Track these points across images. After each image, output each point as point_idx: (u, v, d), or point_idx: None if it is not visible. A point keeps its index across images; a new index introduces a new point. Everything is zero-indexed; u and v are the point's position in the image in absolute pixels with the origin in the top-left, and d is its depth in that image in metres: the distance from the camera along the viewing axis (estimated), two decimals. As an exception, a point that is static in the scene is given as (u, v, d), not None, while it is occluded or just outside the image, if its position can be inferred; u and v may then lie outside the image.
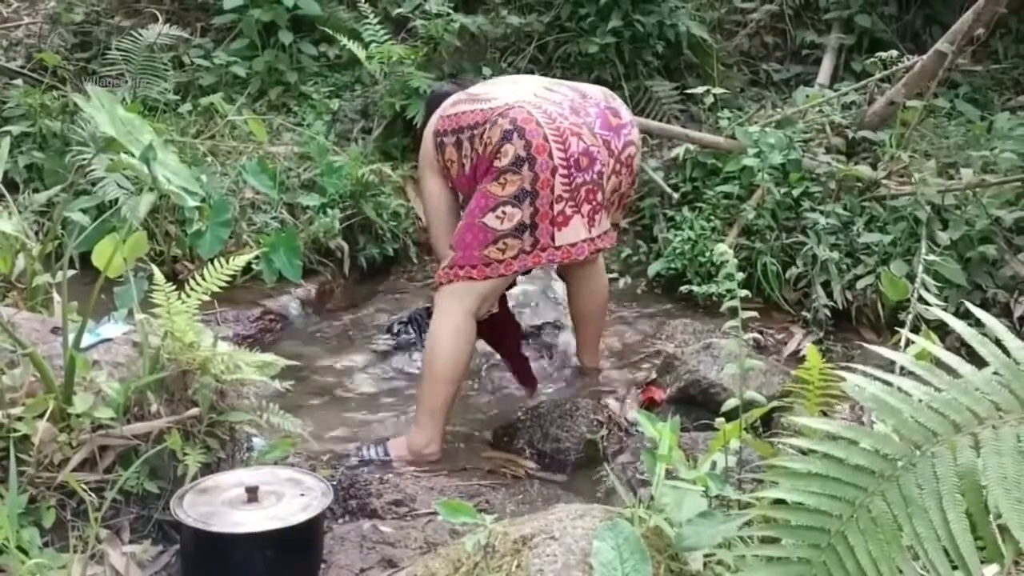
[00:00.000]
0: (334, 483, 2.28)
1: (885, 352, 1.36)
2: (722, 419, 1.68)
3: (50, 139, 4.05)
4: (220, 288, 2.16)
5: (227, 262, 2.17)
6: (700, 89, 4.24)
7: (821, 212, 3.74)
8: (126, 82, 4.45)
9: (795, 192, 3.84)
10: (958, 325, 1.28)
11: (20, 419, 1.85)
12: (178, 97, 4.47)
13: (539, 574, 1.47)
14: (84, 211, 3.00)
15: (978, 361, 1.26)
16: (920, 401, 1.23)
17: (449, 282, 2.69)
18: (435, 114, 2.85)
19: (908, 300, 2.72)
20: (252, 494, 1.88)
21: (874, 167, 3.92)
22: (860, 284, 3.56)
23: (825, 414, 1.77)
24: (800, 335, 3.53)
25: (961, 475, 1.14)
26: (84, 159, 3.50)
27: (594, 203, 2.67)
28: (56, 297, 2.35)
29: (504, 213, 2.58)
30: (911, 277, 3.14)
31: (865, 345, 2.18)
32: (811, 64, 5.22)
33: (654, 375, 3.15)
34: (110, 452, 1.94)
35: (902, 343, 1.69)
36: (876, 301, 3.52)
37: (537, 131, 2.56)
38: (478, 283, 2.65)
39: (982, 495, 1.13)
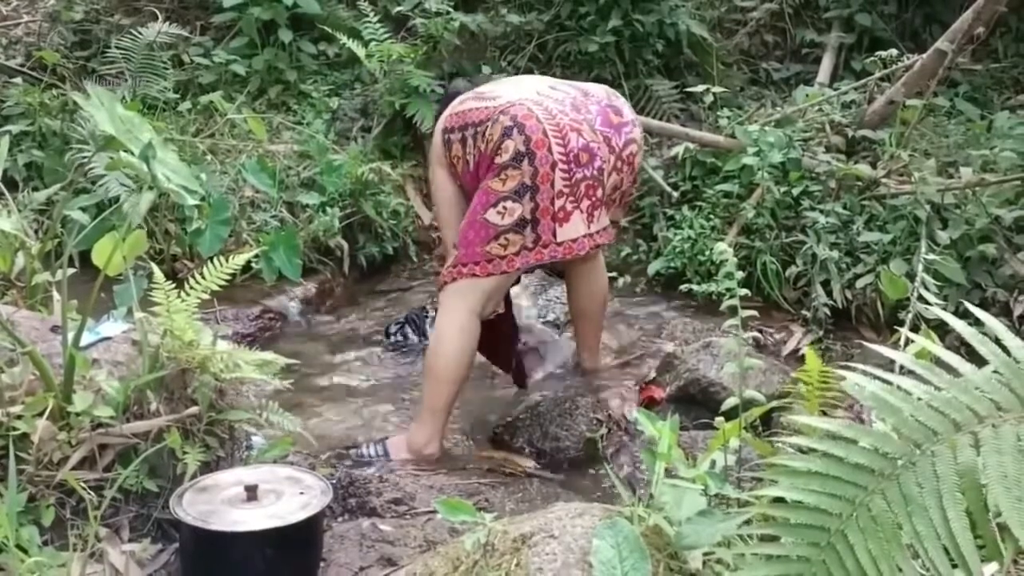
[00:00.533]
0: (333, 481, 2.28)
1: (885, 351, 1.36)
2: (721, 418, 1.68)
3: (50, 137, 4.05)
4: (220, 287, 2.16)
5: (227, 260, 2.17)
6: (700, 88, 4.24)
7: (821, 211, 3.74)
8: (126, 80, 4.45)
9: (795, 191, 3.84)
10: (958, 324, 1.28)
11: (20, 417, 1.85)
12: (178, 95, 4.47)
13: (538, 572, 1.47)
14: (84, 209, 3.00)
15: (978, 360, 1.26)
16: (920, 400, 1.23)
17: (453, 280, 2.69)
18: (445, 111, 2.88)
19: (908, 299, 2.72)
20: (251, 493, 1.88)
21: (874, 166, 3.92)
22: (860, 283, 3.56)
23: (825, 413, 1.76)
24: (800, 334, 3.53)
25: (961, 474, 1.14)
26: (84, 157, 3.50)
27: (594, 199, 2.68)
28: (56, 295, 2.35)
29: (505, 208, 2.60)
30: (911, 276, 3.14)
31: (865, 344, 2.18)
32: (811, 63, 5.22)
33: (654, 374, 3.15)
34: (109, 450, 1.94)
35: (902, 342, 1.69)
36: (876, 300, 3.52)
37: (537, 127, 2.58)
38: (482, 280, 2.66)
39: (982, 494, 1.13)
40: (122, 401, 1.94)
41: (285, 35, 4.73)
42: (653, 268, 4.01)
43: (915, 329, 2.07)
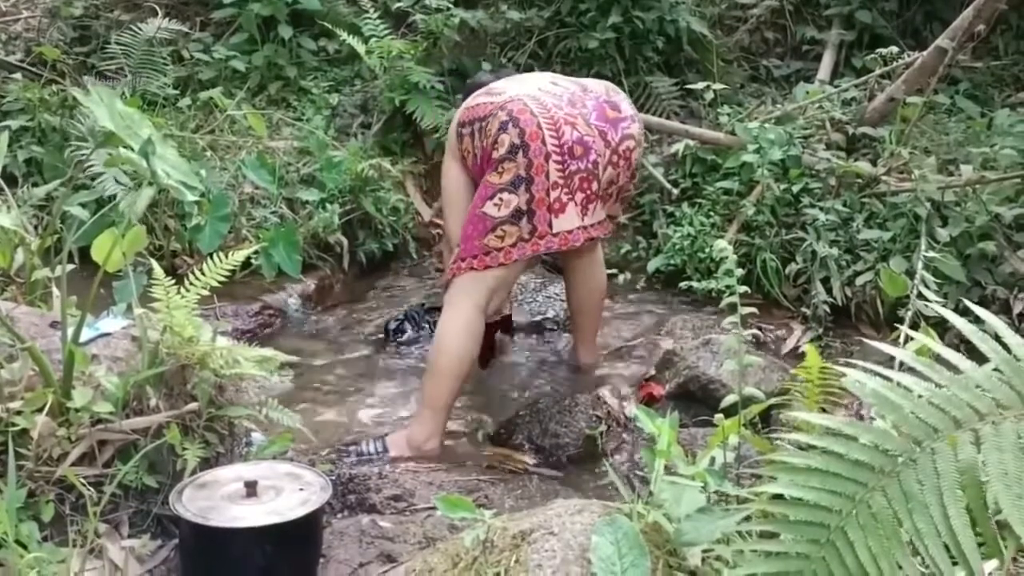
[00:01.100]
0: (333, 478, 2.28)
1: (885, 348, 1.36)
2: (721, 415, 1.68)
3: (49, 133, 4.04)
4: (219, 283, 2.16)
5: (226, 257, 2.17)
6: (700, 85, 4.24)
7: (821, 208, 3.74)
8: (125, 76, 4.45)
9: (795, 188, 3.84)
10: (958, 321, 1.28)
11: (19, 413, 1.85)
12: (177, 91, 4.47)
13: (538, 569, 1.47)
14: (83, 205, 3.00)
15: (978, 357, 1.26)
16: (920, 397, 1.22)
17: (454, 276, 2.73)
18: (462, 104, 2.94)
19: (907, 296, 2.72)
20: (251, 489, 1.88)
21: (874, 163, 3.92)
22: (859, 280, 3.56)
23: (824, 410, 1.76)
24: (799, 331, 3.53)
25: (961, 471, 1.14)
26: (83, 154, 3.51)
27: (588, 192, 2.72)
28: (55, 291, 2.35)
29: (501, 200, 2.65)
30: (911, 273, 3.14)
31: (865, 341, 2.19)
32: (811, 60, 5.22)
33: (653, 371, 3.15)
34: (109, 446, 1.94)
35: (902, 339, 1.69)
36: (875, 297, 3.52)
37: (531, 120, 2.65)
38: (482, 274, 2.69)
39: (982, 491, 1.13)
40: (121, 397, 1.94)
41: (285, 31, 4.73)
42: (653, 265, 4.01)
43: (915, 327, 2.07)
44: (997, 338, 1.24)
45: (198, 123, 4.30)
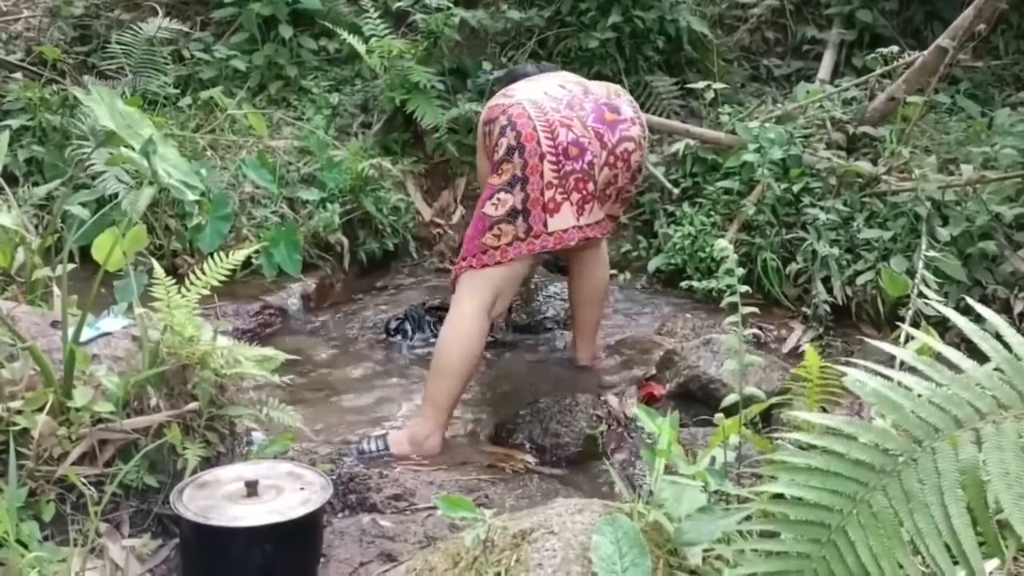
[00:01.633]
0: (333, 477, 2.28)
1: (886, 347, 1.36)
2: (721, 414, 1.68)
3: (50, 133, 4.04)
4: (220, 282, 2.16)
5: (227, 256, 2.17)
6: (700, 84, 4.24)
7: (821, 208, 3.74)
8: (126, 76, 4.45)
9: (795, 188, 3.84)
10: (959, 320, 1.28)
11: (20, 413, 1.85)
12: (178, 91, 4.47)
13: (538, 568, 1.47)
14: (84, 205, 3.00)
15: (979, 357, 1.25)
16: (921, 396, 1.22)
17: (458, 276, 2.77)
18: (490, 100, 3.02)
19: (908, 296, 2.72)
20: (252, 488, 1.88)
21: (874, 163, 3.92)
22: (860, 280, 3.56)
23: (825, 410, 1.76)
24: (800, 331, 3.53)
25: (962, 470, 1.14)
26: (84, 153, 3.51)
27: (584, 192, 2.76)
28: (56, 291, 2.35)
29: (499, 200, 2.71)
30: (911, 273, 3.14)
31: (865, 340, 2.18)
32: (812, 60, 5.22)
33: (653, 371, 3.14)
34: (110, 446, 1.94)
35: (902, 338, 1.69)
36: (876, 297, 3.52)
37: (527, 123, 2.71)
38: (485, 273, 2.71)
39: (983, 490, 1.13)
40: (122, 397, 1.94)
41: (285, 31, 4.73)
42: (653, 265, 4.01)
43: (915, 326, 2.07)
44: (998, 337, 1.24)
45: (198, 122, 4.30)
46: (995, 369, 1.22)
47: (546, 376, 3.26)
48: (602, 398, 2.98)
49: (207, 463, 2.04)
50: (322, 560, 1.97)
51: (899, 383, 1.25)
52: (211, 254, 2.22)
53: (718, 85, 4.20)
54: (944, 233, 3.43)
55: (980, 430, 1.16)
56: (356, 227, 4.12)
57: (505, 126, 2.73)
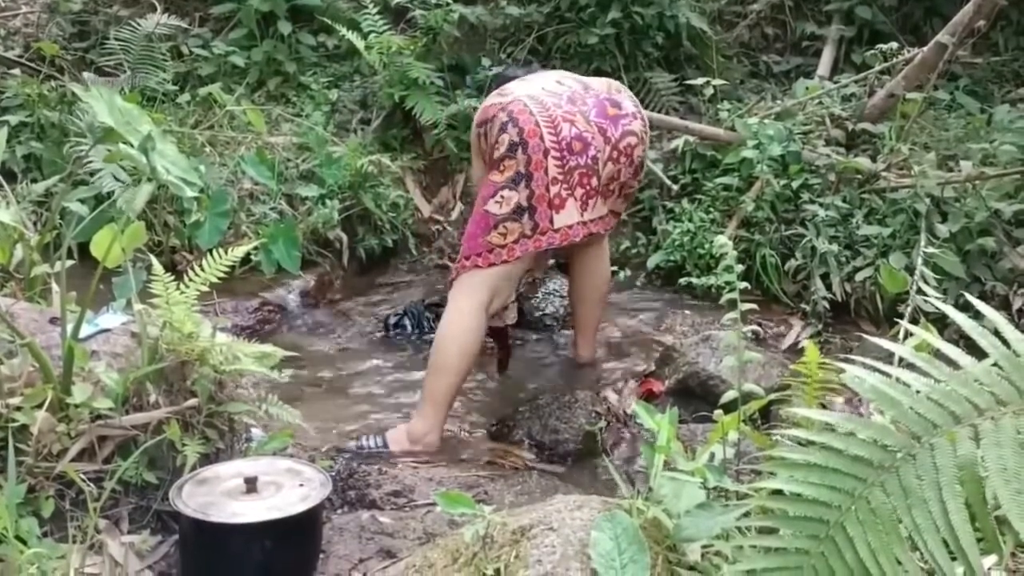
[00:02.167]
0: (333, 474, 2.28)
1: (884, 343, 1.36)
2: (720, 411, 1.68)
3: (48, 129, 4.04)
4: (219, 279, 2.16)
5: (226, 253, 2.16)
6: (700, 80, 4.23)
7: (820, 204, 3.74)
8: (124, 72, 4.44)
9: (794, 184, 3.84)
10: (958, 316, 1.28)
11: (19, 409, 1.85)
12: (176, 87, 4.47)
13: (537, 564, 1.47)
14: (82, 201, 3.00)
15: (977, 353, 1.26)
16: (919, 392, 1.23)
17: (458, 274, 2.76)
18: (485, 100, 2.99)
19: (907, 292, 2.72)
20: (251, 485, 1.88)
21: (874, 159, 3.92)
22: (859, 276, 3.56)
23: (824, 406, 1.76)
24: (799, 327, 3.53)
25: (961, 466, 1.14)
26: (82, 149, 3.50)
27: (588, 187, 2.75)
28: (54, 287, 2.35)
29: (503, 197, 2.69)
30: (910, 269, 3.14)
31: (864, 337, 2.19)
32: (811, 56, 5.21)
33: (653, 367, 3.15)
34: (109, 442, 1.93)
35: (901, 335, 1.69)
36: (875, 293, 3.52)
37: (529, 119, 2.70)
38: (485, 272, 2.71)
39: (981, 486, 1.13)
40: (121, 393, 1.94)
41: (284, 27, 4.72)
42: (652, 261, 4.01)
43: (914, 322, 2.08)
44: (997, 333, 1.24)
45: (197, 119, 4.30)
46: (993, 365, 1.22)
47: (545, 373, 3.26)
48: (601, 395, 2.98)
49: (206, 459, 2.04)
50: (321, 556, 1.97)
51: (898, 379, 1.25)
52: (210, 250, 2.22)
53: (717, 81, 4.20)
54: (943, 229, 3.43)
55: (978, 426, 1.17)
56: (355, 223, 4.12)
57: (506, 123, 2.71)
